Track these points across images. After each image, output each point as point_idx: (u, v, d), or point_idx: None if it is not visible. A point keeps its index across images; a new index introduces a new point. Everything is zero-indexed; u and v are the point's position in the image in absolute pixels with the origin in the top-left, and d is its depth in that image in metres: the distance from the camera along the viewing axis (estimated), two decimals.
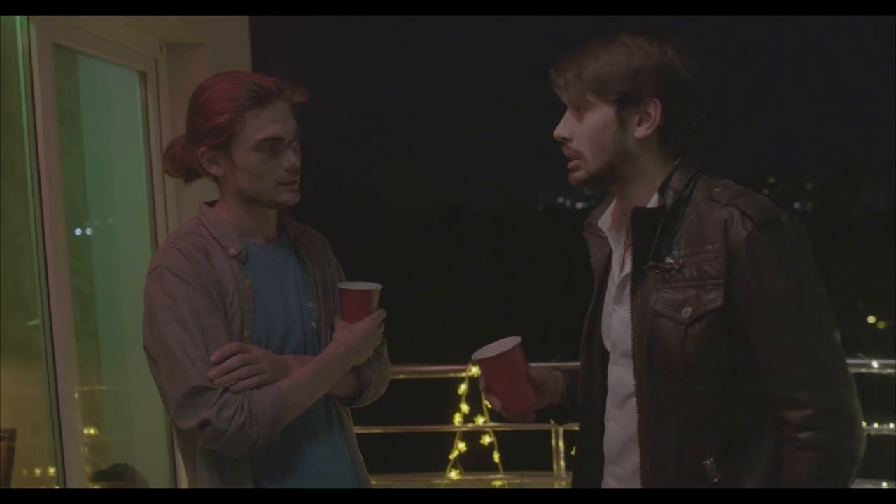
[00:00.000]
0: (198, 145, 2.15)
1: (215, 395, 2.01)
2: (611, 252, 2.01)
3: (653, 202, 1.88)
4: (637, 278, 1.89)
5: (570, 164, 1.93)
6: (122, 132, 4.09)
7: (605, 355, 2.02)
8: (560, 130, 1.93)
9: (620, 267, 1.97)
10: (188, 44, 4.09)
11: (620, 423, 1.95)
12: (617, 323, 1.95)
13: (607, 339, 2.00)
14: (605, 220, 2.02)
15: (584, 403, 2.07)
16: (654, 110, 1.86)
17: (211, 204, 2.24)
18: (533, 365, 2.09)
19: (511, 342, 2.03)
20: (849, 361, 1.83)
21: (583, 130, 1.89)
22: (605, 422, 2.01)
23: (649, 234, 1.86)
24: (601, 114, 1.87)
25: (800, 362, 1.78)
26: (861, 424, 1.80)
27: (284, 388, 2.08)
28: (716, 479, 1.82)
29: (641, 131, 1.87)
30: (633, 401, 1.91)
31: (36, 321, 3.26)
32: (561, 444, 4.38)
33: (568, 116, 1.92)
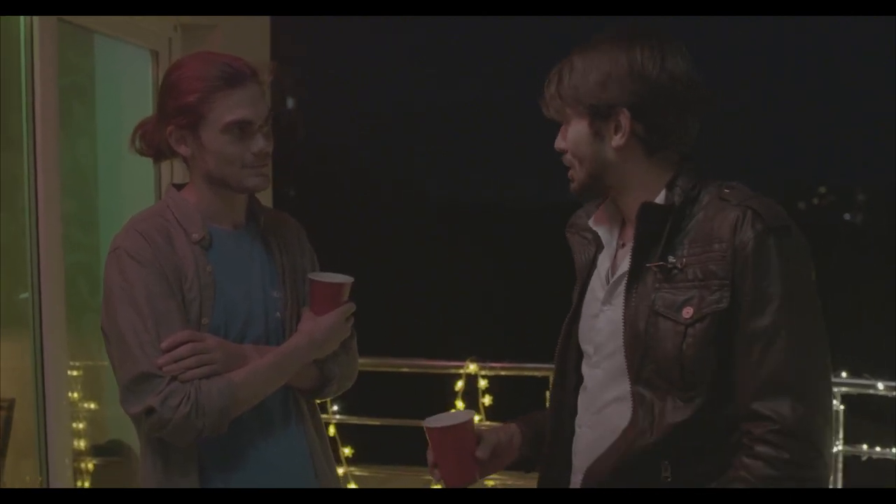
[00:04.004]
0: (166, 124, 2.11)
1: (162, 382, 1.98)
2: (595, 254, 1.97)
3: (660, 199, 1.84)
4: (634, 277, 1.82)
5: (569, 174, 1.94)
6: (134, 111, 4.09)
7: (580, 359, 1.97)
8: (557, 142, 1.94)
9: (611, 267, 1.92)
10: (203, 25, 4.08)
11: (594, 428, 1.89)
12: (604, 324, 1.89)
13: (588, 342, 1.93)
14: (594, 220, 1.98)
15: (554, 408, 2.01)
16: (624, 120, 1.83)
17: (180, 187, 2.20)
18: (487, 425, 2.04)
19: (464, 416, 1.99)
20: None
21: (568, 143, 1.90)
22: (577, 427, 1.95)
23: (656, 232, 1.81)
24: (577, 126, 1.87)
25: (774, 377, 1.71)
26: (826, 455, 1.73)
27: (237, 378, 2.03)
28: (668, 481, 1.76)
29: (616, 141, 1.85)
30: (612, 406, 1.85)
31: (26, 294, 3.27)
32: None
33: (563, 128, 1.93)
